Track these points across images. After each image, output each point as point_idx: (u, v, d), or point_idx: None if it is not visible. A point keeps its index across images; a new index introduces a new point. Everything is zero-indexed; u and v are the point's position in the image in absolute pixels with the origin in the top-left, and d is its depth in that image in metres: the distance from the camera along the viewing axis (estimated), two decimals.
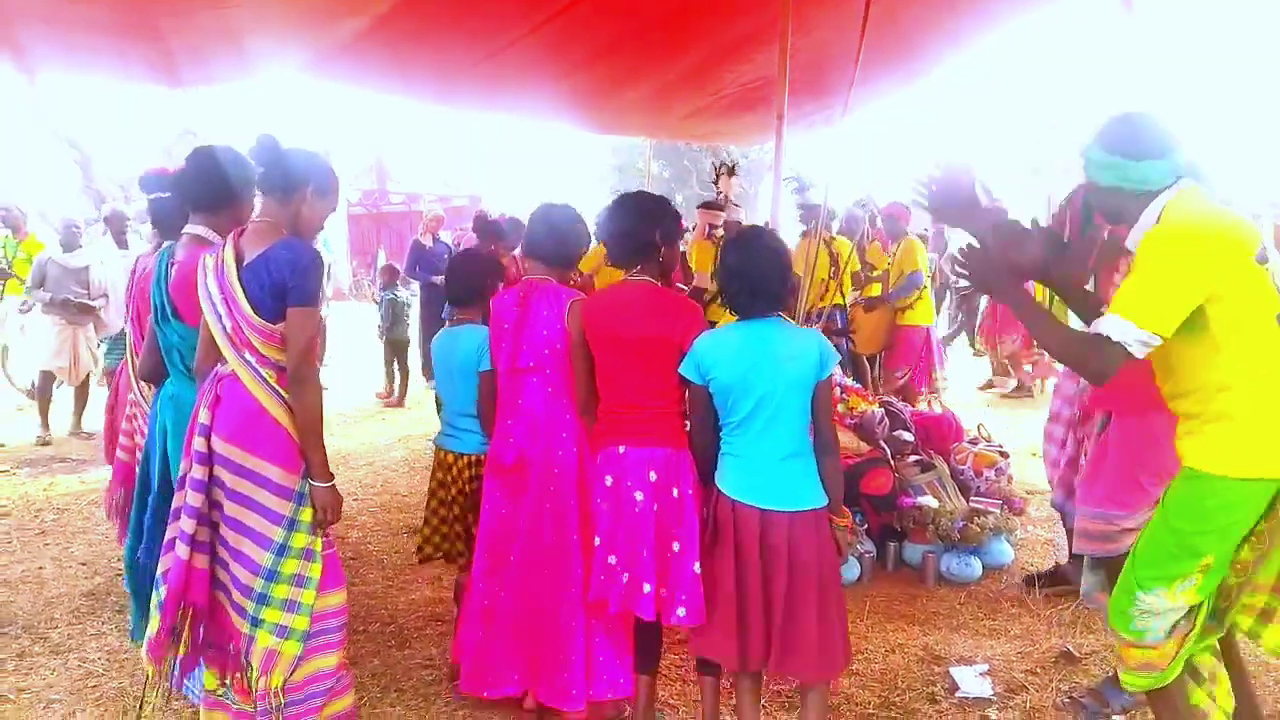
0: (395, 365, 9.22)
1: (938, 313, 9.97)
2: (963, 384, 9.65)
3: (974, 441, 5.17)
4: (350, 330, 12.00)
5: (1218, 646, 2.53)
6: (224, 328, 2.50)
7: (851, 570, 4.30)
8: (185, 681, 2.80)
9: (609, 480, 2.77)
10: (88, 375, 7.41)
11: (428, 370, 9.08)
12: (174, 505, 2.57)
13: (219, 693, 2.61)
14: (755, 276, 2.58)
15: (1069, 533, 3.98)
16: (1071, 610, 4.02)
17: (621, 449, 2.76)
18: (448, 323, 3.57)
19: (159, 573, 2.55)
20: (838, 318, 6.70)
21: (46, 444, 7.15)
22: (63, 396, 7.60)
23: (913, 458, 4.87)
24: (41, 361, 7.29)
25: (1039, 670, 3.50)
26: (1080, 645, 3.67)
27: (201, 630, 2.54)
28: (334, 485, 2.58)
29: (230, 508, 2.51)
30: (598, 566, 2.76)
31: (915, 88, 7.30)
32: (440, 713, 3.19)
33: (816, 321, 6.03)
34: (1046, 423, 4.12)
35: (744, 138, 9.72)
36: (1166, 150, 2.30)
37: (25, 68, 4.54)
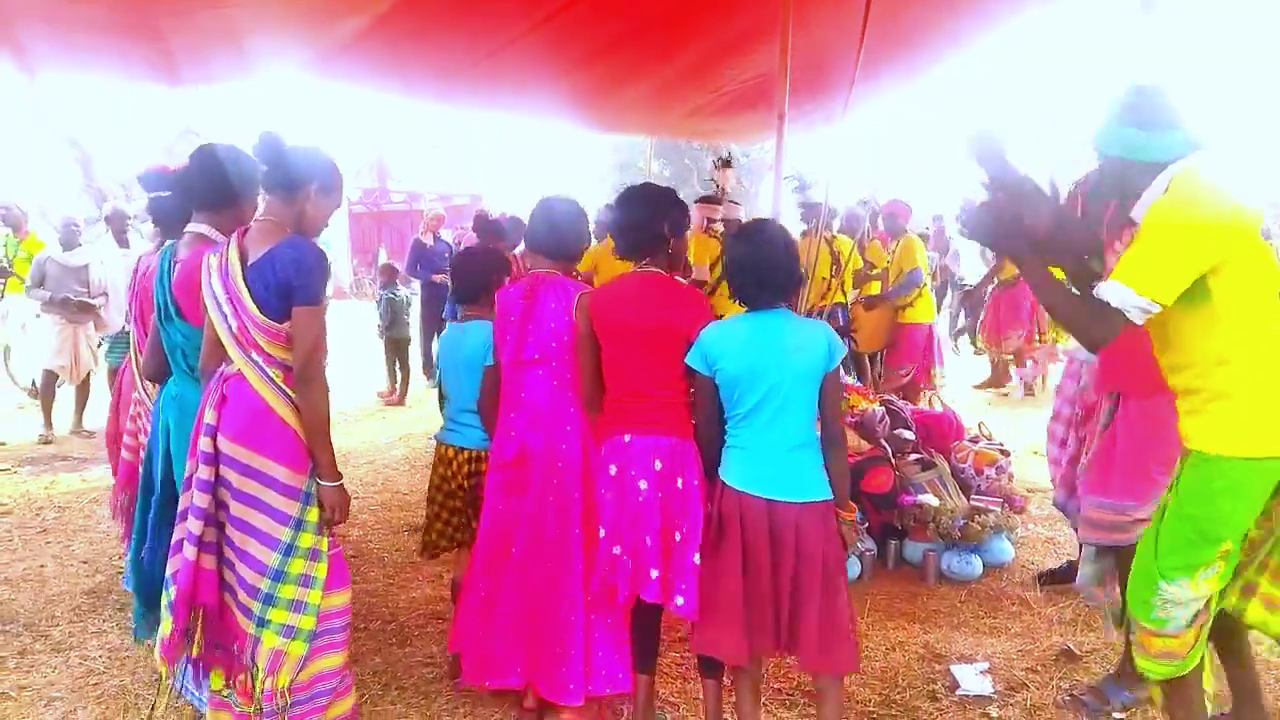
0: (396, 364, 9.24)
1: (938, 310, 9.96)
2: (963, 383, 9.64)
3: (975, 440, 5.17)
4: (351, 329, 12.01)
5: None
6: (229, 328, 2.49)
7: (852, 568, 4.30)
8: (187, 684, 2.80)
9: (613, 469, 2.76)
10: (88, 374, 7.42)
11: (429, 369, 9.11)
12: (180, 506, 2.56)
13: (224, 694, 2.60)
14: (764, 267, 2.58)
15: (1076, 530, 3.99)
16: (1072, 608, 4.03)
17: (627, 438, 2.76)
18: (448, 322, 3.58)
19: (168, 574, 2.54)
20: (839, 316, 6.70)
21: (48, 442, 7.16)
22: (64, 395, 7.61)
23: (913, 456, 4.87)
24: (43, 360, 7.29)
25: (1040, 668, 3.51)
26: (1081, 643, 3.67)
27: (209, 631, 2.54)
28: (342, 485, 2.57)
29: (236, 508, 2.50)
30: (603, 559, 2.76)
31: (916, 85, 7.30)
32: (441, 710, 3.20)
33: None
34: (1049, 421, 4.13)
35: (745, 136, 9.72)
36: (1176, 123, 2.31)
37: (26, 67, 4.54)
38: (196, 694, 2.81)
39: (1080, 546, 3.46)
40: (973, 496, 4.75)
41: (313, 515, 2.52)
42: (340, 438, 2.58)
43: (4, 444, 7.15)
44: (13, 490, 5.90)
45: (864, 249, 7.53)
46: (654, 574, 2.67)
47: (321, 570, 2.53)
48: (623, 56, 5.66)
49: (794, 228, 7.34)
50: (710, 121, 7.59)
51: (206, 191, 3.00)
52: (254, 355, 2.47)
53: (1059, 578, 4.30)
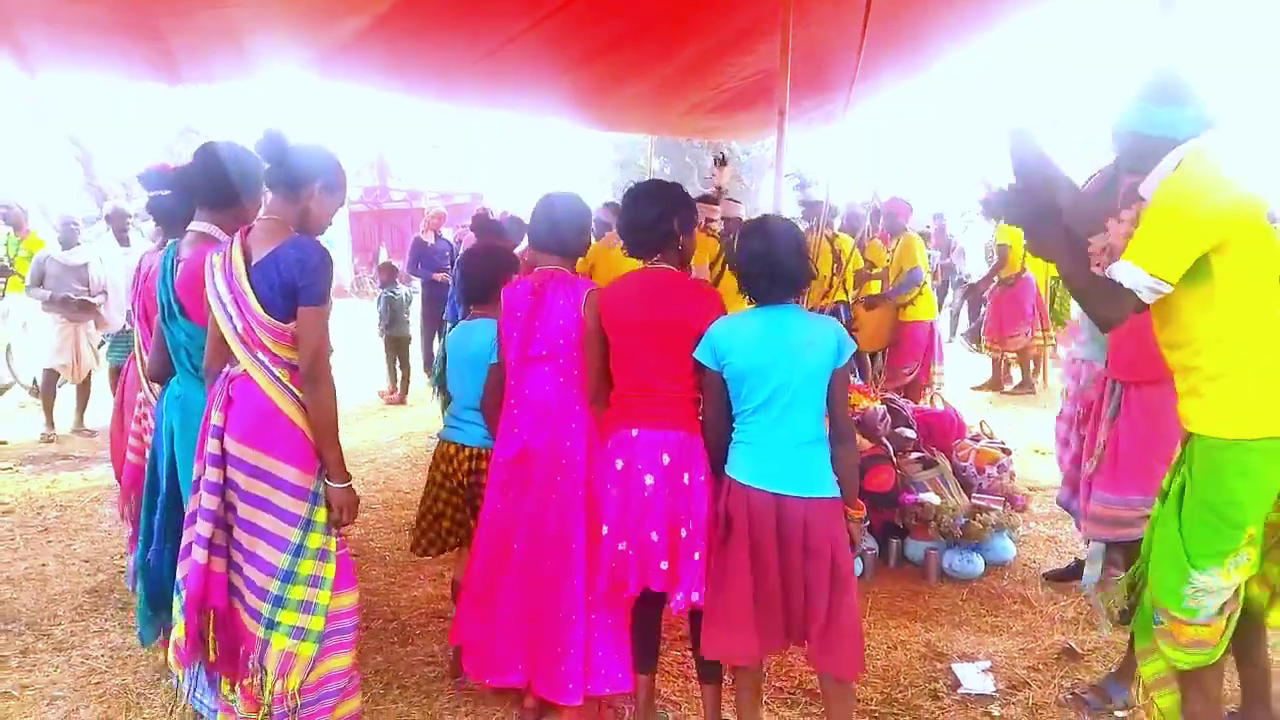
0: (396, 363, 9.22)
1: (939, 309, 9.95)
2: (963, 383, 9.63)
3: (976, 438, 5.17)
4: (351, 328, 12.00)
5: None
6: (235, 328, 2.47)
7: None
8: (194, 690, 2.78)
9: (619, 463, 2.74)
10: (89, 373, 7.42)
11: (429, 367, 9.10)
12: (189, 510, 2.54)
13: (230, 698, 2.59)
14: (774, 263, 2.57)
15: (1079, 528, 4.00)
16: (1074, 607, 4.03)
17: (634, 432, 2.74)
18: (448, 322, 3.58)
19: (179, 578, 2.52)
20: (841, 314, 6.70)
21: (50, 441, 7.16)
22: (66, 394, 7.61)
23: (915, 454, 4.86)
24: (44, 359, 7.30)
25: (1041, 667, 3.51)
26: (1083, 641, 3.67)
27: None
28: (350, 485, 2.55)
29: (244, 509, 2.48)
30: (608, 555, 2.74)
31: (917, 83, 7.29)
32: (443, 708, 3.20)
33: None
34: (1056, 420, 4.14)
35: (745, 133, 9.71)
36: (1190, 100, 2.33)
37: (26, 66, 4.53)
38: (203, 700, 2.79)
39: (1088, 544, 3.46)
40: (974, 495, 4.75)
41: (321, 515, 2.50)
42: (341, 436, 2.56)
43: (5, 443, 7.15)
44: (14, 489, 5.90)
45: (864, 248, 7.52)
46: (664, 565, 2.67)
47: (330, 571, 2.51)
48: (622, 54, 5.65)
49: None
50: (710, 119, 7.58)
51: (208, 190, 2.99)
52: (260, 355, 2.46)
53: (1065, 576, 4.31)
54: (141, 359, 3.52)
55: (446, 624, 3.76)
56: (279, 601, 2.45)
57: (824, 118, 6.84)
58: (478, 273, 3.53)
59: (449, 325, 7.41)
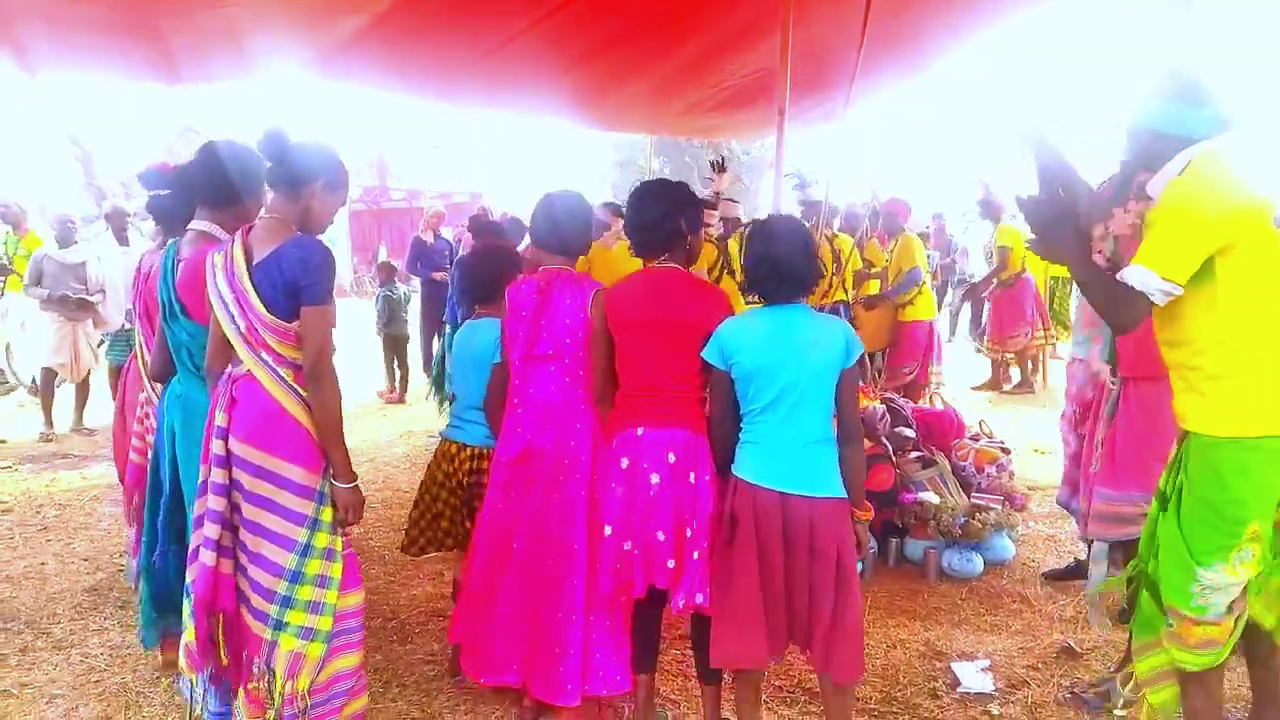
0: (394, 361, 9.22)
1: (939, 309, 9.95)
2: (963, 381, 9.63)
3: (975, 438, 5.17)
4: (351, 327, 12.00)
5: None
6: (238, 328, 2.45)
7: None
8: (198, 694, 2.76)
9: (625, 462, 2.73)
10: (88, 372, 7.42)
11: (429, 367, 9.10)
12: (195, 513, 2.52)
13: (235, 704, 2.58)
14: (782, 262, 2.57)
15: (1081, 528, 4.00)
16: (1073, 606, 4.03)
17: (640, 431, 2.73)
18: (448, 322, 3.58)
19: (188, 582, 2.51)
20: (841, 314, 6.70)
21: (49, 440, 7.16)
22: (65, 393, 7.61)
23: (914, 454, 4.87)
24: (42, 358, 7.30)
25: (1040, 665, 3.51)
26: (1082, 640, 3.67)
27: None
28: (357, 485, 2.54)
29: (249, 510, 2.46)
30: (612, 556, 2.72)
31: (916, 82, 7.29)
32: (442, 708, 3.20)
33: None
34: (1059, 419, 4.16)
35: (745, 132, 9.71)
36: (1208, 101, 2.34)
37: (26, 66, 4.53)
38: (206, 705, 2.77)
39: (1090, 544, 3.46)
40: (973, 494, 4.75)
41: (327, 515, 2.49)
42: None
43: (4, 441, 7.15)
44: (13, 488, 5.90)
45: (863, 248, 7.53)
46: (671, 564, 2.66)
47: (337, 570, 2.49)
48: (622, 53, 5.65)
49: None
50: (710, 117, 7.58)
51: (209, 189, 2.98)
52: (264, 355, 2.44)
53: (1064, 576, 4.32)
54: (143, 358, 3.52)
55: (445, 623, 3.76)
56: (286, 602, 2.43)
57: (824, 116, 6.84)
58: (481, 272, 3.53)
59: (448, 326, 7.41)
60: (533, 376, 2.97)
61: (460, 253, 8.45)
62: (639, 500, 2.69)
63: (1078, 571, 4.26)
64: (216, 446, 2.46)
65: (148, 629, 3.15)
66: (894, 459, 4.72)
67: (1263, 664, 2.75)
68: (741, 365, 2.57)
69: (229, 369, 2.55)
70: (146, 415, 3.55)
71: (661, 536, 2.66)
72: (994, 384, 9.56)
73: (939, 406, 5.94)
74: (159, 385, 3.22)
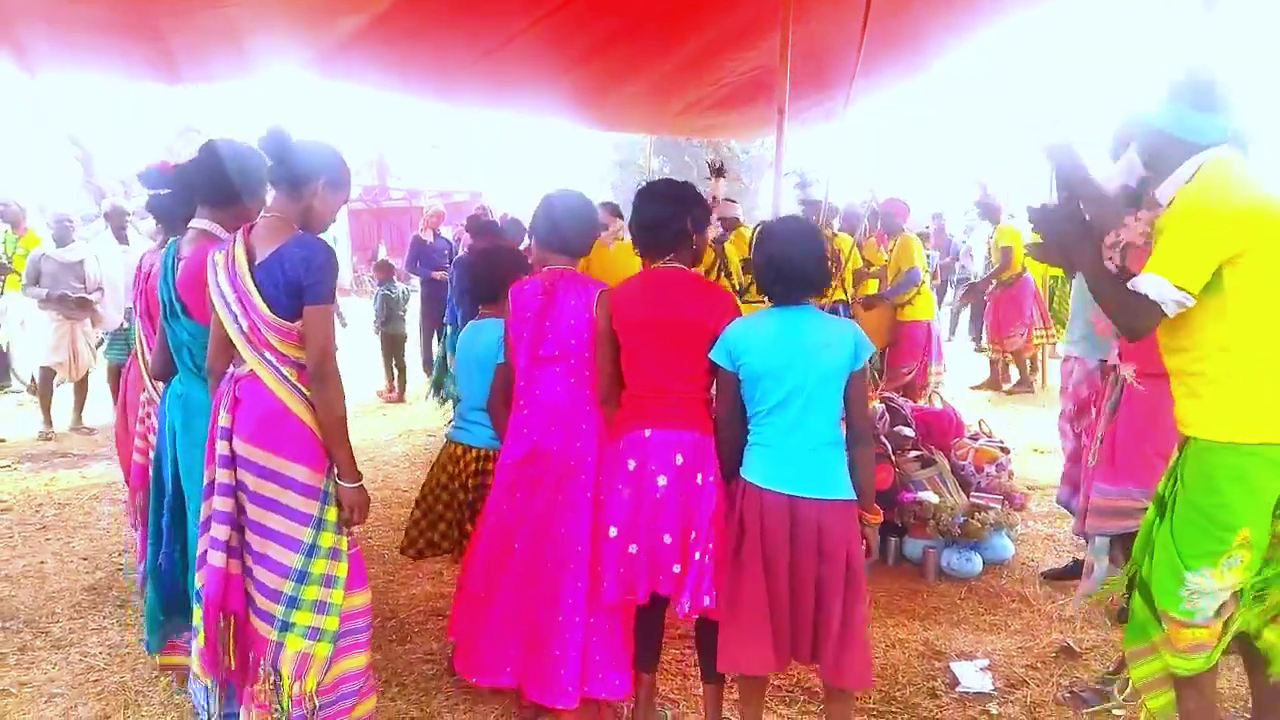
0: (392, 360, 9.21)
1: (939, 309, 9.94)
2: (963, 381, 9.63)
3: (975, 437, 5.17)
4: (351, 326, 11.99)
5: None
6: (240, 328, 2.44)
7: None
8: (199, 698, 2.75)
9: (632, 464, 2.71)
10: (87, 371, 7.42)
11: (429, 366, 9.10)
12: (203, 515, 2.51)
13: (241, 706, 2.56)
14: (792, 263, 2.56)
15: (1079, 527, 4.00)
16: (1072, 605, 4.03)
17: (647, 433, 2.72)
18: (448, 323, 3.57)
19: (198, 586, 2.49)
20: (840, 314, 6.70)
21: (48, 439, 7.16)
22: (64, 392, 7.61)
23: (913, 453, 4.87)
24: (41, 357, 7.30)
25: (1039, 665, 3.51)
26: (1080, 640, 3.68)
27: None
28: (362, 485, 2.53)
29: (254, 511, 2.45)
30: (615, 559, 2.70)
31: (916, 81, 7.29)
32: (441, 707, 3.20)
33: None
34: (1058, 418, 4.16)
35: (745, 131, 9.72)
36: (1220, 108, 2.32)
37: (26, 66, 4.54)
38: (219, 707, 2.76)
39: (1089, 541, 3.46)
40: (972, 493, 4.75)
41: (332, 514, 2.48)
42: None
43: (4, 440, 7.15)
44: (12, 487, 5.90)
45: (862, 248, 7.53)
46: (676, 569, 2.64)
47: (343, 570, 2.48)
48: (621, 51, 5.66)
49: None
50: (709, 116, 7.59)
51: (209, 188, 2.97)
52: (267, 355, 2.43)
53: (1063, 575, 4.32)
54: (144, 358, 3.51)
55: (444, 622, 3.76)
56: (293, 602, 2.42)
57: (823, 115, 6.85)
58: (484, 272, 3.53)
59: (448, 327, 7.41)
60: (538, 378, 2.95)
61: (459, 252, 8.46)
62: (645, 502, 2.68)
63: (1077, 571, 4.25)
64: (221, 447, 2.45)
65: (153, 633, 3.12)
66: (893, 458, 4.72)
67: (1259, 671, 2.75)
68: (749, 367, 2.56)
69: (231, 369, 2.54)
70: (148, 415, 3.54)
71: (668, 539, 2.65)
72: (993, 383, 9.57)
73: (938, 406, 5.94)
74: (160, 385, 3.22)
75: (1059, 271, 8.97)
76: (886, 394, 5.71)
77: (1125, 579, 2.69)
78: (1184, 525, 2.36)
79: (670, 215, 2.82)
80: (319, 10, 4.51)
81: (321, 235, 2.59)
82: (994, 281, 9.15)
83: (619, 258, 5.12)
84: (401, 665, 3.49)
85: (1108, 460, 3.29)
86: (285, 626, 2.43)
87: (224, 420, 2.46)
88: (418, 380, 9.30)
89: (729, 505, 2.66)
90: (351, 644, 2.56)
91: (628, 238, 5.19)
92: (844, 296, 6.85)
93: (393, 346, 9.20)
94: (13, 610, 3.96)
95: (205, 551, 2.47)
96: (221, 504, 2.44)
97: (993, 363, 9.66)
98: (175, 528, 2.95)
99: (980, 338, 11.10)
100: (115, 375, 6.68)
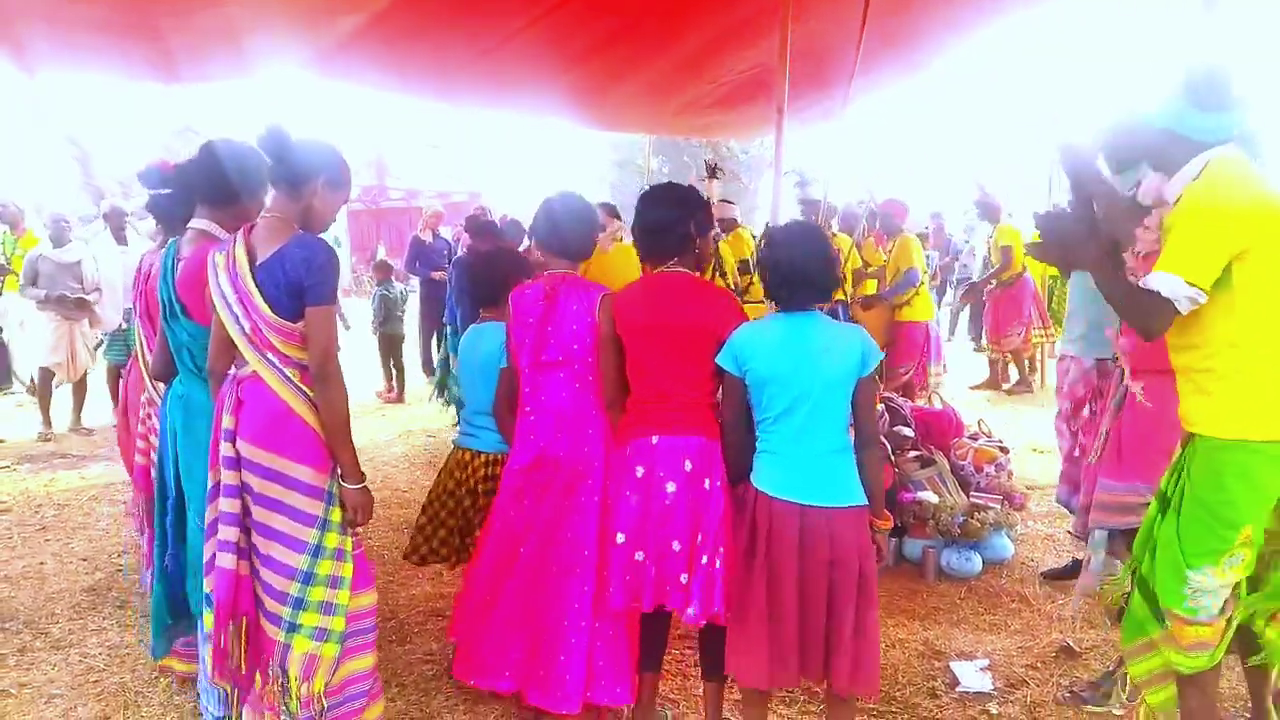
0: (390, 361, 9.20)
1: (938, 309, 9.94)
2: (962, 381, 9.63)
3: (974, 437, 5.17)
4: (350, 326, 11.99)
5: None
6: (242, 329, 2.42)
7: None
8: (209, 702, 2.75)
9: (640, 471, 2.70)
10: (85, 371, 7.42)
11: (428, 367, 9.10)
12: (209, 518, 2.50)
13: (245, 709, 2.56)
14: (799, 269, 2.55)
15: (1076, 527, 4.00)
16: (1071, 603, 4.03)
17: (655, 439, 2.70)
18: (447, 324, 3.56)
19: (207, 590, 2.48)
20: (839, 314, 6.71)
21: (48, 440, 7.15)
22: (63, 393, 7.61)
23: (913, 453, 4.87)
24: (40, 358, 7.30)
25: (1039, 665, 3.51)
26: (1080, 640, 3.67)
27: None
28: (366, 485, 2.52)
29: (258, 513, 2.44)
30: (621, 565, 2.69)
31: (915, 80, 7.30)
32: (441, 707, 3.20)
33: None
34: (1055, 418, 4.16)
35: (744, 130, 9.71)
36: (1228, 107, 2.32)
37: (26, 66, 4.53)
38: (210, 711, 2.76)
39: (1087, 538, 3.46)
40: (972, 493, 4.75)
41: (336, 515, 2.47)
42: None
43: (3, 441, 7.15)
44: (12, 488, 5.90)
45: (860, 248, 7.53)
46: (684, 579, 2.62)
47: (348, 570, 2.48)
48: (620, 50, 5.65)
49: None
50: (708, 115, 7.59)
51: (209, 188, 2.96)
52: (270, 356, 2.42)
53: (1063, 575, 4.32)
54: (144, 359, 3.51)
55: (445, 622, 3.76)
56: (299, 604, 2.42)
57: (823, 114, 6.85)
58: (485, 274, 3.51)
59: (448, 327, 7.40)
60: (542, 384, 2.93)
61: (458, 252, 8.45)
62: (654, 509, 2.66)
63: (1076, 571, 4.25)
64: (225, 449, 2.44)
65: (158, 637, 3.11)
66: (893, 458, 4.72)
67: (1256, 670, 2.75)
68: (755, 372, 2.55)
69: (233, 370, 2.53)
70: (149, 416, 3.53)
71: (676, 547, 2.63)
72: (993, 383, 9.57)
73: (938, 406, 5.94)
74: (161, 386, 3.21)
75: (1057, 271, 8.98)
76: (886, 394, 5.71)
77: (1126, 576, 2.69)
78: (1189, 523, 2.36)
79: (674, 219, 2.81)
80: (318, 10, 4.50)
81: (324, 236, 2.58)
82: (994, 281, 9.15)
83: (616, 260, 5.11)
84: (401, 666, 3.49)
85: (1114, 456, 3.29)
86: (292, 628, 2.42)
87: (227, 422, 2.45)
88: (416, 381, 9.30)
89: (737, 511, 2.65)
90: (358, 645, 2.55)
91: (626, 239, 5.20)
92: (843, 297, 6.86)
93: (390, 347, 9.18)
94: (12, 611, 3.96)
95: (214, 555, 2.46)
96: (228, 505, 2.43)
97: (992, 363, 9.67)
98: (178, 528, 2.95)
99: (980, 338, 11.10)
100: (114, 376, 6.69)
